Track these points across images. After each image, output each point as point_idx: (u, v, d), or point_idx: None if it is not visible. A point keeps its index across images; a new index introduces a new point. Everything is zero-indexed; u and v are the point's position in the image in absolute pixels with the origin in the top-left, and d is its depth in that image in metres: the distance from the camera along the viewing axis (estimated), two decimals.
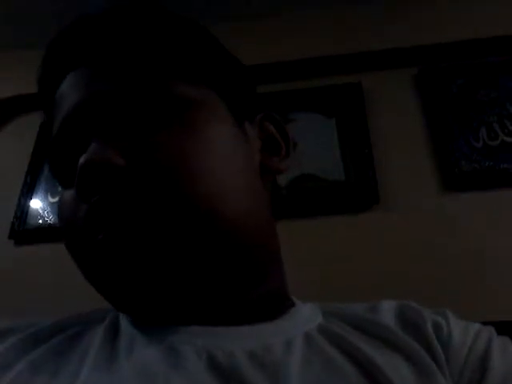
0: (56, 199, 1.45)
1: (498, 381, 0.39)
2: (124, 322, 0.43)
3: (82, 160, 0.37)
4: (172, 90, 0.41)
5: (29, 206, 1.45)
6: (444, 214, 1.21)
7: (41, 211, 1.44)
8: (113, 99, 0.40)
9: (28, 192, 1.47)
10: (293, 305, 0.48)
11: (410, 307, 0.48)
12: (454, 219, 1.19)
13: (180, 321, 0.41)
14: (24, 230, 1.40)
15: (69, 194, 0.42)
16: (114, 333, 0.42)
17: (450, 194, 1.24)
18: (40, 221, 1.42)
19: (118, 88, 0.41)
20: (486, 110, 1.34)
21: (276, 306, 0.46)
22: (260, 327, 0.42)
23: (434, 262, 1.13)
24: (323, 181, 1.30)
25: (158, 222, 0.36)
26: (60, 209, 0.43)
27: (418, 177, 1.28)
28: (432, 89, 1.40)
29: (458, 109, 1.35)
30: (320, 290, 0.97)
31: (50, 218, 1.42)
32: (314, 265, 1.14)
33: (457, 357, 0.41)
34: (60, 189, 0.45)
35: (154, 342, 0.39)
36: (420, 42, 1.45)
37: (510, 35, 1.41)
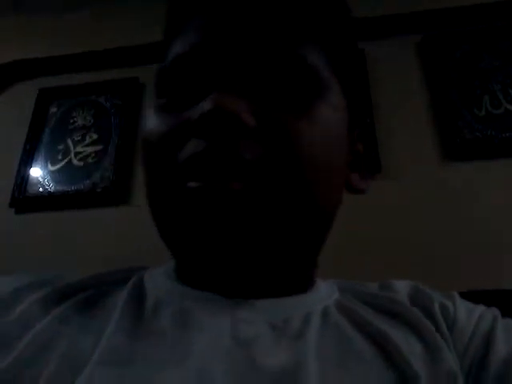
0: (56, 167, 1.44)
1: (500, 360, 0.39)
2: (149, 285, 0.43)
3: (211, 103, 0.34)
4: (310, 66, 0.39)
5: (29, 174, 1.45)
6: (446, 183, 1.21)
7: (41, 179, 1.44)
8: (245, 52, 0.38)
9: (28, 160, 1.47)
10: (314, 282, 0.49)
11: (419, 289, 0.49)
12: (456, 188, 1.20)
13: (207, 287, 0.41)
14: (24, 198, 1.40)
15: (169, 120, 0.39)
16: (138, 294, 0.42)
17: (452, 162, 1.24)
18: (40, 189, 1.42)
19: (252, 42, 0.38)
20: (489, 78, 1.33)
21: (302, 282, 0.47)
22: (283, 301, 0.42)
23: (436, 232, 1.14)
24: None
25: (263, 198, 0.35)
26: (152, 132, 0.40)
27: (420, 145, 1.28)
28: (435, 57, 1.38)
29: (460, 77, 1.34)
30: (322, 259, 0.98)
31: (50, 186, 1.42)
32: None
33: (461, 336, 0.42)
34: (156, 104, 0.41)
35: (178, 307, 0.40)
36: (423, 8, 1.43)
37: None
